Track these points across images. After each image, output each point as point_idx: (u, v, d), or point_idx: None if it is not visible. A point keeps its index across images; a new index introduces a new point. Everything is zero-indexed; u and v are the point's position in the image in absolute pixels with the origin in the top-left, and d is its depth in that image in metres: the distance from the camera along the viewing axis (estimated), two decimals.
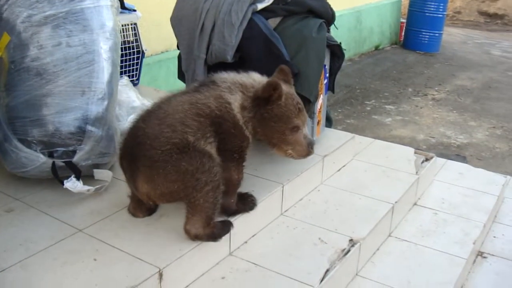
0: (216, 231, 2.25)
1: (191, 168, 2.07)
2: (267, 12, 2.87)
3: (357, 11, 8.88)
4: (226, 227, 2.31)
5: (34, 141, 2.43)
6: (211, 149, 2.16)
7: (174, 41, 3.10)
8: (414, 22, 9.90)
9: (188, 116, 2.12)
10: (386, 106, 6.70)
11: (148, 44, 4.10)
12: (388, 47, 10.10)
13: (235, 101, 2.23)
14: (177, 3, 3.03)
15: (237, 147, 2.27)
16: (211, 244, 2.25)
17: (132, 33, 3.81)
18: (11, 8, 2.42)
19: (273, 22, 2.88)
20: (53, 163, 2.44)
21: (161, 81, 5.22)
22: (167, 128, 2.09)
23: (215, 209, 2.19)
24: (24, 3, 2.42)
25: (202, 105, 2.17)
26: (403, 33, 10.33)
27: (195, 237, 2.20)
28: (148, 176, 2.09)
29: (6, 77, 2.46)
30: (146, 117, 2.16)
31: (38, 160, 2.44)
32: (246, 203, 2.48)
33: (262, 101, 2.23)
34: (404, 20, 10.29)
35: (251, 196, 2.51)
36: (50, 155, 2.45)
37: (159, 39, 4.94)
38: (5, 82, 2.47)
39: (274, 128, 2.28)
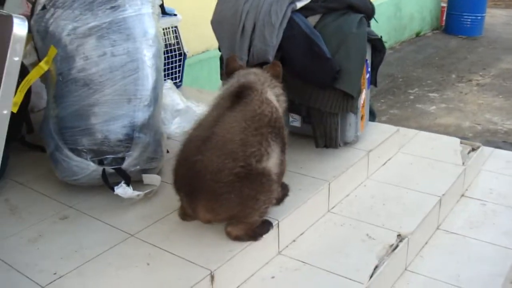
0: (257, 230, 2.28)
1: (253, 193, 2.09)
2: (306, 10, 2.88)
3: None
4: (266, 227, 2.33)
5: (84, 150, 2.50)
6: (273, 156, 2.18)
7: (214, 41, 3.13)
8: (455, 6, 9.72)
9: (248, 135, 2.09)
10: (430, 94, 6.62)
11: (189, 44, 4.15)
12: (429, 33, 9.96)
13: (271, 96, 2.29)
14: (216, 7, 3.06)
15: (284, 138, 2.30)
16: (260, 244, 2.28)
17: (173, 36, 3.86)
18: (56, 22, 2.49)
19: (313, 19, 2.88)
20: (103, 170, 2.51)
21: (203, 81, 5.27)
22: (228, 158, 2.04)
23: (262, 218, 2.26)
24: (69, 16, 2.48)
25: (260, 116, 2.16)
26: (444, 18, 10.15)
27: (236, 238, 2.24)
28: (210, 208, 2.10)
29: (55, 89, 2.54)
30: (202, 147, 2.07)
31: (88, 168, 2.51)
32: (283, 187, 2.52)
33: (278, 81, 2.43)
34: (445, 4, 10.10)
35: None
36: (100, 162, 2.52)
37: (199, 39, 4.98)
38: (54, 93, 2.55)
39: None
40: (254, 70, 2.45)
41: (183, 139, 2.22)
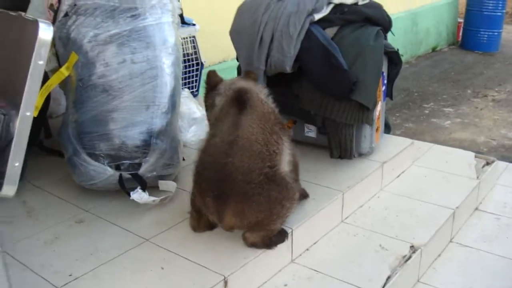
0: (273, 239, 2.30)
1: (280, 196, 2.13)
2: (324, 22, 2.91)
3: (413, 13, 8.79)
4: (282, 236, 2.35)
5: (102, 155, 2.54)
6: (285, 153, 2.24)
7: (231, 52, 3.16)
8: (472, 22, 9.71)
9: (267, 134, 2.15)
10: (445, 109, 6.61)
11: (206, 55, 4.19)
12: (445, 48, 9.95)
13: (263, 96, 2.37)
14: (235, 17, 3.10)
15: (288, 131, 2.40)
16: (273, 251, 2.30)
17: (191, 46, 3.90)
18: (78, 29, 2.53)
19: (331, 31, 2.91)
20: (120, 175, 2.54)
21: None
22: (257, 158, 2.09)
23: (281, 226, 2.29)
24: (90, 23, 2.52)
25: (268, 115, 2.24)
26: (460, 33, 10.14)
27: (252, 245, 2.27)
28: (239, 210, 2.10)
29: (74, 94, 2.58)
30: (230, 150, 2.09)
31: (105, 173, 2.55)
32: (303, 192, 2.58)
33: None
34: (462, 20, 10.11)
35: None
36: (117, 167, 2.55)
37: (217, 49, 5.01)
38: (73, 99, 2.59)
39: None
40: (237, 78, 2.57)
41: (203, 147, 2.25)
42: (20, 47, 1.85)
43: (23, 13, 1.92)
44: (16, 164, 1.68)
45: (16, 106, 1.79)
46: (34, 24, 1.70)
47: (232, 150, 2.09)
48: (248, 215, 2.12)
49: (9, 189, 1.71)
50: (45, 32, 1.67)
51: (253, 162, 2.09)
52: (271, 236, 2.28)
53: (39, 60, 1.67)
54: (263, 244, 2.27)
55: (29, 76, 1.66)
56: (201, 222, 2.36)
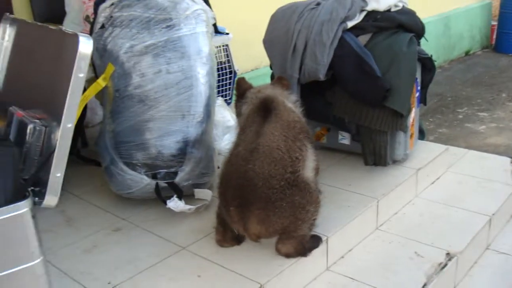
0: (307, 246, 2.30)
1: (303, 201, 2.13)
2: (357, 29, 2.92)
3: (445, 17, 8.71)
4: (315, 242, 2.36)
5: (139, 164, 2.58)
6: (310, 159, 2.24)
7: (263, 60, 3.18)
8: (506, 24, 9.57)
9: (289, 142, 2.16)
10: (479, 113, 6.53)
11: (238, 63, 4.21)
12: (479, 52, 9.83)
13: (290, 104, 2.41)
14: (269, 26, 3.12)
15: (312, 139, 2.38)
16: (309, 259, 2.31)
17: (224, 54, 3.92)
18: (114, 40, 2.58)
19: (363, 39, 2.92)
20: (157, 184, 2.58)
21: None
22: (277, 164, 2.09)
23: (310, 232, 2.29)
24: (126, 35, 2.57)
25: (293, 123, 2.25)
26: (494, 36, 10.02)
27: (286, 255, 2.27)
28: (263, 218, 2.09)
29: (111, 104, 2.62)
30: (250, 157, 2.11)
31: (142, 181, 2.58)
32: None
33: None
34: (495, 23, 9.98)
35: None
36: (154, 176, 2.59)
37: (249, 57, 5.04)
38: (110, 109, 2.63)
39: None
40: (264, 85, 2.56)
41: (226, 158, 2.27)
42: (60, 60, 1.90)
43: (63, 27, 1.97)
44: (58, 175, 1.73)
45: (57, 118, 1.84)
46: (74, 38, 1.75)
47: (253, 157, 2.11)
48: (272, 221, 2.11)
49: (51, 200, 1.75)
50: (85, 46, 1.72)
51: (274, 168, 2.09)
52: (304, 244, 2.28)
53: (80, 73, 1.71)
54: (297, 252, 2.27)
55: (70, 89, 1.70)
56: (227, 236, 2.35)
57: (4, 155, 1.62)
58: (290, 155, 2.13)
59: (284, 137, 2.16)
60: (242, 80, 2.58)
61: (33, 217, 1.60)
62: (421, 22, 3.11)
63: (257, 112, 2.27)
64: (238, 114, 2.52)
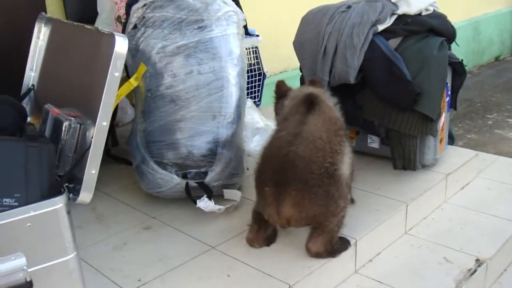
0: (336, 247, 2.31)
1: (337, 194, 2.15)
2: (387, 33, 2.91)
3: (475, 22, 8.64)
4: (344, 244, 2.36)
5: (169, 164, 2.60)
6: (347, 156, 2.31)
7: (292, 62, 3.19)
8: None
9: (331, 135, 2.20)
10: (509, 120, 6.46)
11: (267, 65, 4.22)
12: (509, 57, 9.72)
13: (331, 104, 2.45)
14: (299, 28, 3.13)
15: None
16: (337, 261, 2.31)
17: (253, 56, 3.95)
18: (146, 41, 2.61)
19: (394, 42, 2.91)
20: (187, 183, 2.60)
21: None
22: (319, 152, 2.13)
23: (340, 231, 2.30)
24: (158, 35, 2.60)
25: (335, 119, 2.31)
26: None
27: (316, 255, 2.28)
28: (298, 200, 2.10)
29: (143, 104, 2.65)
30: (293, 140, 2.14)
31: (172, 181, 2.61)
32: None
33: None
34: None
35: None
36: (184, 176, 2.61)
37: (278, 59, 5.05)
38: (142, 109, 2.66)
39: None
40: (305, 86, 2.61)
41: (266, 142, 2.31)
42: (95, 59, 1.94)
43: (99, 27, 2.00)
44: (93, 172, 1.76)
45: (91, 116, 1.87)
46: (110, 37, 1.78)
47: (296, 141, 2.13)
48: (306, 206, 2.12)
49: (86, 196, 1.78)
50: (121, 45, 1.75)
51: (315, 155, 2.12)
52: (333, 244, 2.28)
53: (115, 72, 1.74)
54: (327, 252, 2.28)
55: (105, 87, 1.73)
56: (259, 235, 2.37)
57: (40, 151, 1.65)
58: (330, 147, 2.17)
59: (326, 129, 2.20)
60: (281, 82, 2.62)
61: (68, 212, 1.63)
62: (452, 26, 3.09)
63: (302, 104, 2.30)
64: (279, 111, 2.55)
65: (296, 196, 2.10)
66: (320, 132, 2.18)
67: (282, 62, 5.23)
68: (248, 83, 3.95)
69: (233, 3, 2.80)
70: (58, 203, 1.59)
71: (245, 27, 3.76)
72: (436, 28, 2.97)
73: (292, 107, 2.37)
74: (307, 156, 2.11)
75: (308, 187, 2.10)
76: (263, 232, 2.36)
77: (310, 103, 2.27)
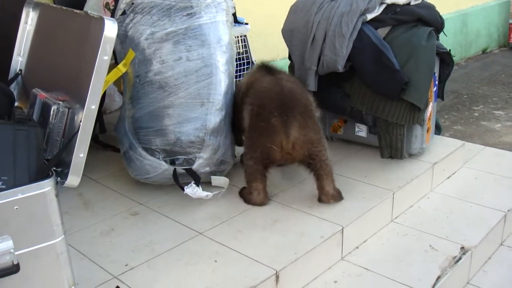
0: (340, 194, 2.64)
1: (320, 127, 2.60)
2: (376, 22, 2.92)
3: (463, 14, 8.67)
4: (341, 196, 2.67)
5: (157, 150, 2.60)
6: None
7: (280, 51, 3.20)
8: None
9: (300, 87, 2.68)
10: (495, 112, 6.51)
11: (256, 54, 4.22)
12: (496, 50, 9.78)
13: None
14: (288, 16, 3.13)
15: None
16: (324, 248, 2.33)
17: (242, 45, 3.94)
18: (135, 27, 2.60)
19: (383, 31, 2.92)
20: (175, 170, 2.60)
21: None
22: (302, 93, 2.59)
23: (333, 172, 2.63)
24: (147, 22, 2.59)
25: (295, 79, 2.81)
26: None
27: (332, 197, 2.60)
28: (302, 123, 2.45)
29: (131, 90, 2.65)
30: (280, 82, 2.57)
31: (160, 167, 2.60)
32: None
33: None
34: None
35: None
36: (172, 162, 2.61)
37: (266, 49, 5.05)
38: (130, 95, 2.66)
39: None
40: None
41: (257, 88, 2.62)
42: (84, 44, 1.93)
43: (88, 11, 1.99)
44: (81, 155, 1.75)
45: (80, 100, 1.87)
46: (100, 21, 1.77)
47: (283, 81, 2.58)
48: (308, 128, 2.48)
49: (74, 179, 1.78)
50: (111, 29, 1.74)
51: (301, 91, 2.61)
52: (338, 191, 2.63)
53: (104, 56, 1.73)
54: (338, 194, 2.62)
55: (94, 71, 1.72)
56: (265, 192, 2.61)
57: (28, 134, 1.64)
58: (302, 94, 2.58)
59: (293, 80, 2.71)
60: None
61: (56, 196, 1.62)
62: (440, 17, 3.11)
63: (257, 71, 2.77)
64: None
65: (301, 119, 2.45)
66: (295, 84, 2.63)
67: (270, 52, 5.22)
68: (236, 71, 3.94)
69: None
70: (46, 186, 1.58)
71: (234, 15, 3.75)
72: (425, 18, 2.99)
73: (249, 79, 2.76)
74: (298, 87, 2.60)
75: (307, 111, 2.51)
76: (266, 188, 2.61)
77: (265, 67, 2.75)
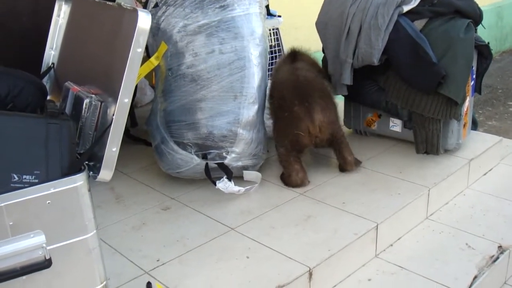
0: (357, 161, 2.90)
1: (336, 105, 2.82)
2: (413, 14, 2.85)
3: (498, 7, 8.51)
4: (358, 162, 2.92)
5: (189, 144, 2.58)
6: None
7: (312, 44, 3.15)
8: None
9: (315, 71, 2.94)
10: None
11: (287, 47, 4.17)
12: None
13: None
14: (322, 8, 3.08)
15: None
16: (358, 245, 2.29)
17: (274, 38, 3.89)
18: (167, 19, 2.58)
19: (419, 24, 2.86)
20: (206, 164, 2.57)
21: None
22: (317, 77, 2.84)
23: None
24: (180, 14, 2.56)
25: (316, 64, 3.09)
26: None
27: (350, 164, 2.82)
28: (323, 105, 2.65)
29: (163, 83, 2.63)
30: (295, 71, 2.80)
31: (192, 161, 2.58)
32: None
33: None
34: None
35: None
36: (204, 157, 2.59)
37: (297, 42, 4.98)
38: (162, 88, 2.64)
39: None
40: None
41: (276, 80, 2.87)
42: (117, 36, 1.90)
43: (122, 3, 1.97)
44: (114, 149, 1.73)
45: (112, 93, 1.84)
46: (133, 13, 1.74)
47: (297, 71, 2.80)
48: (329, 110, 2.68)
49: (106, 174, 1.76)
50: (144, 21, 1.71)
51: (315, 76, 2.83)
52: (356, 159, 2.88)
53: (138, 48, 1.70)
54: (357, 162, 2.87)
55: (128, 63, 1.69)
56: (303, 171, 2.73)
57: (60, 128, 1.63)
58: (316, 80, 2.81)
59: (311, 65, 2.97)
60: None
61: (88, 190, 1.61)
62: (479, 9, 3.03)
63: (285, 59, 3.01)
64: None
65: (322, 102, 2.65)
66: (308, 67, 2.87)
67: (302, 44, 5.16)
68: (268, 64, 3.90)
69: None
70: (78, 181, 1.57)
71: (267, 7, 3.71)
72: (463, 10, 2.91)
73: (278, 66, 3.01)
74: (310, 74, 2.79)
75: (325, 94, 2.73)
76: (304, 168, 2.74)
77: (292, 55, 2.98)
